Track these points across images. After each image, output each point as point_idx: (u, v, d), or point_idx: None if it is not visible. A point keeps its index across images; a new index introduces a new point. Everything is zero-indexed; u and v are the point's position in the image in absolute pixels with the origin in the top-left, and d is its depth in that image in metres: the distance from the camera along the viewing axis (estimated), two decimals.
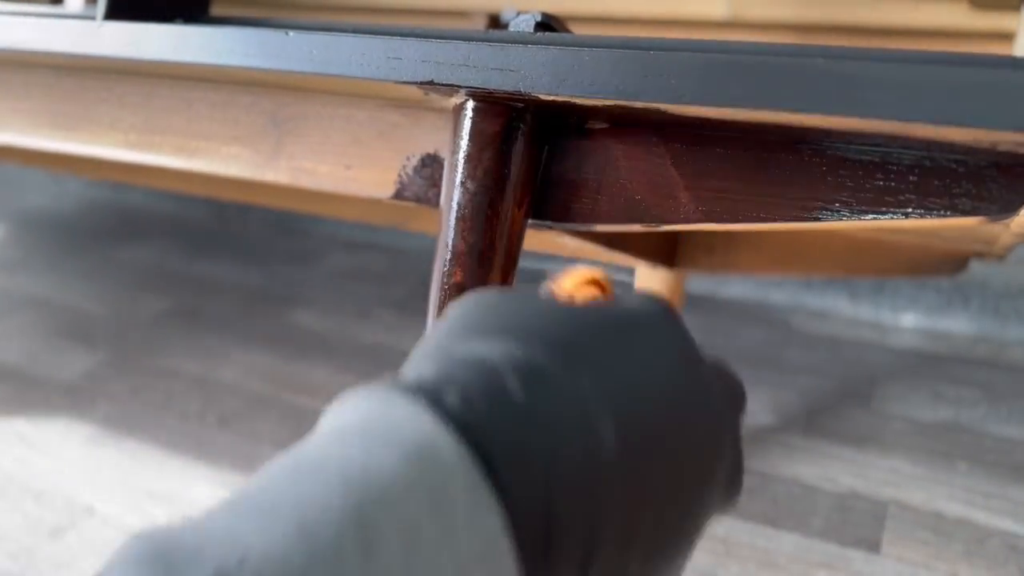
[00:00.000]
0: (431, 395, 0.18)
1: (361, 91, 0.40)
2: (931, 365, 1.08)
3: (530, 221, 0.38)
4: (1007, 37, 0.68)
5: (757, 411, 0.94)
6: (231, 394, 0.97)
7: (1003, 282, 1.17)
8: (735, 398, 0.25)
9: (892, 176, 0.31)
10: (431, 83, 0.34)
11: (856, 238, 0.67)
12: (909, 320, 1.21)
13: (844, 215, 0.31)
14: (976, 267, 1.15)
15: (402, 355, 1.14)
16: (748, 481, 0.80)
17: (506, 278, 0.37)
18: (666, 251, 0.68)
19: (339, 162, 0.42)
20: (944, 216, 0.30)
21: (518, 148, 0.36)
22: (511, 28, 0.36)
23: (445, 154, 0.39)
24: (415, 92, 0.36)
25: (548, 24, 0.36)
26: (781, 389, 1.00)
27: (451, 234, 0.36)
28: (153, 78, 0.48)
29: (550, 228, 0.39)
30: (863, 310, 1.24)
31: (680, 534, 0.21)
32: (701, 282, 1.33)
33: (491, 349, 0.20)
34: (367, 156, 0.41)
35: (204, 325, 1.17)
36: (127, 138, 0.48)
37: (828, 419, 0.93)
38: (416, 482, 0.17)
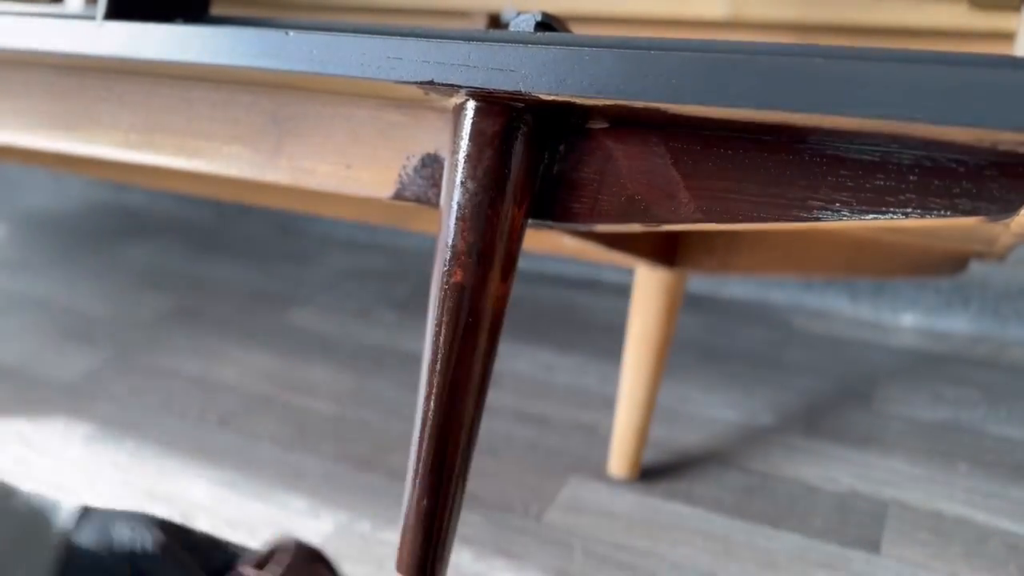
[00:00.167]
0: None
1: (361, 91, 0.40)
2: (931, 365, 1.09)
3: (530, 221, 0.38)
4: (1007, 37, 0.68)
5: (757, 411, 0.95)
6: (231, 394, 0.97)
7: (1003, 282, 1.17)
8: None
9: (892, 176, 0.31)
10: (431, 83, 0.34)
11: (856, 239, 0.67)
12: (909, 320, 1.21)
13: (844, 215, 0.31)
14: (976, 267, 1.15)
15: (402, 355, 1.13)
16: (748, 481, 0.80)
17: (506, 278, 0.37)
18: (666, 251, 0.68)
19: (339, 162, 0.42)
20: (944, 216, 0.30)
21: (518, 148, 0.36)
22: (511, 28, 0.36)
23: (445, 154, 0.39)
24: (415, 92, 0.36)
25: (548, 24, 0.36)
26: (781, 389, 1.00)
27: (451, 234, 0.36)
28: (153, 78, 0.48)
29: (550, 228, 0.39)
30: (863, 310, 1.24)
31: None
32: (701, 282, 1.33)
33: None
34: (367, 156, 0.41)
35: (204, 325, 1.17)
36: (127, 138, 0.48)
37: (828, 419, 0.93)
38: None
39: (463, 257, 0.36)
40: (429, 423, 0.37)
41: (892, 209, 0.31)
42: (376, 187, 0.41)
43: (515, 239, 0.37)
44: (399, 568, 0.38)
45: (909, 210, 0.30)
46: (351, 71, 0.36)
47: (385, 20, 0.91)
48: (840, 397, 0.99)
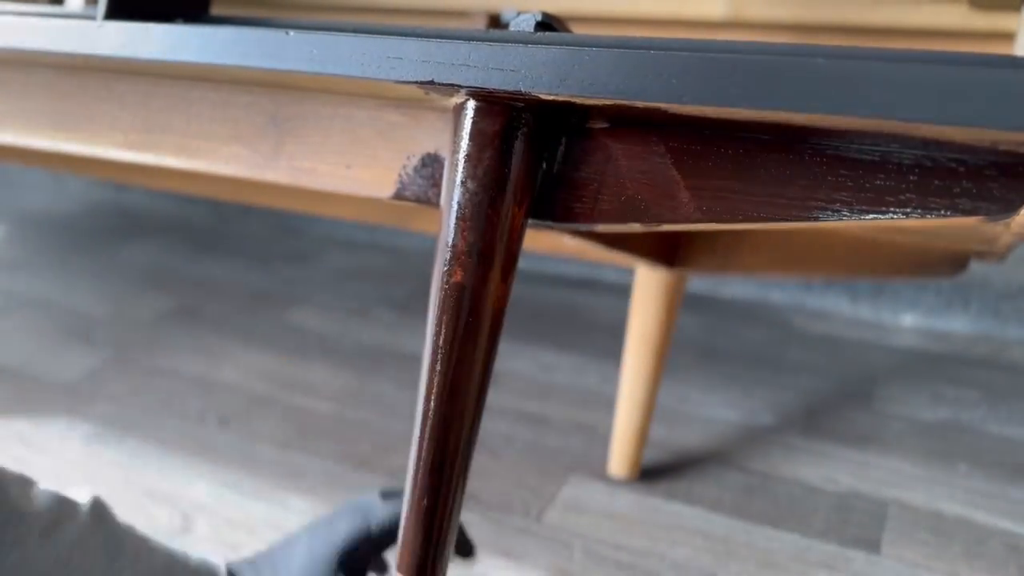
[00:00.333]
0: None
1: (361, 91, 0.40)
2: (931, 365, 1.09)
3: (530, 221, 0.38)
4: (1007, 37, 0.68)
5: (757, 411, 0.95)
6: (231, 394, 0.97)
7: (1003, 282, 1.17)
8: None
9: (892, 175, 0.31)
10: (431, 83, 0.34)
11: (856, 239, 0.67)
12: (909, 320, 1.21)
13: (844, 215, 0.31)
14: (976, 267, 1.14)
15: (402, 355, 1.13)
16: (748, 481, 0.80)
17: (506, 278, 0.37)
18: (666, 251, 0.68)
19: (339, 162, 0.42)
20: (944, 216, 0.30)
21: (518, 148, 0.36)
22: (511, 28, 0.36)
23: (445, 154, 0.39)
24: (415, 92, 0.36)
25: (548, 24, 0.36)
26: (781, 389, 1.00)
27: (451, 234, 0.36)
28: (153, 78, 0.48)
29: (550, 228, 0.39)
30: (863, 310, 1.24)
31: None
32: (701, 282, 1.33)
33: None
34: (367, 155, 0.41)
35: (204, 325, 1.17)
36: (127, 138, 0.48)
37: (828, 419, 0.93)
38: None
39: (463, 257, 0.36)
40: (429, 423, 0.37)
41: (892, 209, 0.31)
42: (376, 187, 0.41)
43: (515, 239, 0.37)
44: (399, 568, 0.38)
45: (909, 210, 0.30)
46: (351, 71, 0.36)
47: (385, 20, 0.91)
48: (840, 397, 0.99)
